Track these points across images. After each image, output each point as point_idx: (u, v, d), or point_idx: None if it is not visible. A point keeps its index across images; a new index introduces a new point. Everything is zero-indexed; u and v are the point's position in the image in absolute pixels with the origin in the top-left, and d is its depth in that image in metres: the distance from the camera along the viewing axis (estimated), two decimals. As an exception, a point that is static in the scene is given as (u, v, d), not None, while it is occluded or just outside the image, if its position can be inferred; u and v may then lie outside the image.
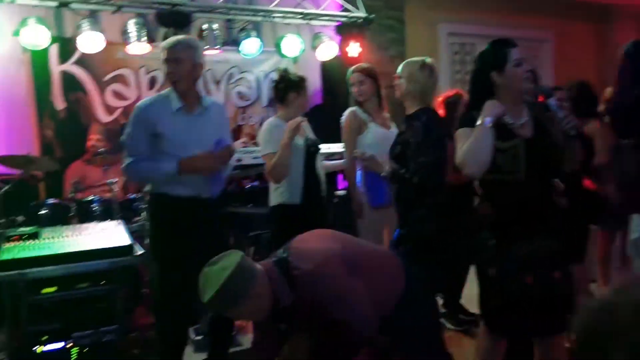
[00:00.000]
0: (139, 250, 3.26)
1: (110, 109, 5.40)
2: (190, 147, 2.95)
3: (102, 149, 4.56)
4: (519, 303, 2.32)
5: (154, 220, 3.13)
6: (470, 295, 4.03)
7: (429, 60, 2.97)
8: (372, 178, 3.47)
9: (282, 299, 2.03)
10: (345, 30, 5.63)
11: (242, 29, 5.28)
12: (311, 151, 3.48)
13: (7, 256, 2.97)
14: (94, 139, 4.81)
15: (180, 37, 3.06)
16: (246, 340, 3.69)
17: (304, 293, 2.02)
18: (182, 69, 2.93)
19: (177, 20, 4.72)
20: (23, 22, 4.37)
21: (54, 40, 4.76)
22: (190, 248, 2.90)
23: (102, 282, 3.16)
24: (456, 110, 3.76)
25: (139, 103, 3.03)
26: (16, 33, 4.42)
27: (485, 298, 2.47)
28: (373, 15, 5.68)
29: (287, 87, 3.47)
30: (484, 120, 2.29)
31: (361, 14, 5.66)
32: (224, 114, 3.27)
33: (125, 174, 3.06)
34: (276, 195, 3.49)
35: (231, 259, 1.98)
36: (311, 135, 3.63)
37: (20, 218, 4.08)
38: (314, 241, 2.18)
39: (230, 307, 1.98)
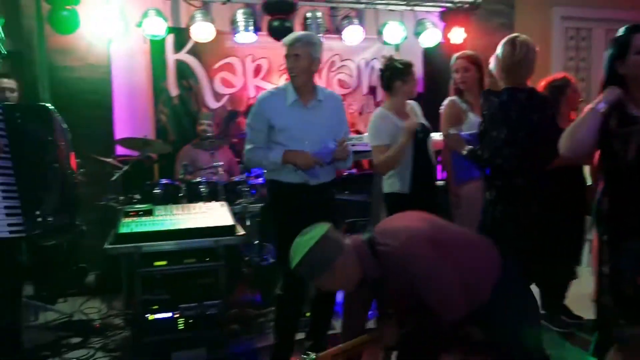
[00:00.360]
0: (241, 231, 3.42)
1: (218, 96, 5.68)
2: (302, 138, 3.06)
3: (210, 134, 4.80)
4: (632, 305, 2.17)
5: (270, 204, 3.30)
6: (577, 296, 3.81)
7: (521, 37, 2.85)
8: (456, 157, 3.42)
9: (368, 273, 2.13)
10: (450, 16, 5.47)
11: (345, 17, 5.30)
12: (420, 137, 3.45)
13: (125, 230, 3.24)
14: (204, 124, 5.07)
15: (300, 33, 3.15)
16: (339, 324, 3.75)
17: (391, 270, 2.09)
18: (301, 65, 3.03)
19: (282, 8, 4.84)
20: (145, 14, 4.69)
21: (170, 30, 5.07)
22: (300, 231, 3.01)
23: (206, 259, 3.35)
24: (563, 94, 3.56)
25: (259, 95, 3.19)
26: (139, 24, 4.76)
27: (599, 297, 2.34)
28: (480, 0, 5.46)
29: (392, 74, 3.45)
30: (597, 104, 2.22)
31: (467, -1, 5.47)
32: (340, 106, 3.31)
33: (244, 159, 3.24)
34: (388, 184, 3.52)
35: (319, 229, 2.12)
36: (421, 119, 3.59)
37: (137, 196, 4.41)
38: (401, 221, 2.25)
39: (316, 273, 2.10)
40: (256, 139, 3.12)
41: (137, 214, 3.50)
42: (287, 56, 3.06)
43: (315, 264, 2.08)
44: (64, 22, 4.50)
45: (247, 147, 3.16)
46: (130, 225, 3.31)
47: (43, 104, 2.84)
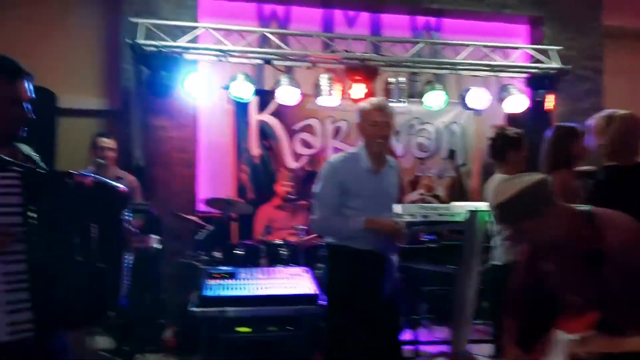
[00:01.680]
0: (323, 301, 3.37)
1: (297, 156, 5.77)
2: (374, 204, 3.03)
3: (292, 195, 4.86)
4: None
5: (334, 271, 3.22)
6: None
7: (620, 112, 2.71)
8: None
9: (579, 240, 1.90)
10: (536, 81, 5.37)
11: (428, 82, 5.32)
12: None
13: (210, 293, 3.28)
14: (285, 184, 5.13)
15: (384, 100, 3.17)
16: None
17: (618, 250, 1.84)
18: (390, 132, 3.03)
19: (365, 73, 4.92)
20: (233, 78, 4.91)
21: (255, 92, 5.25)
22: (366, 299, 2.93)
23: (288, 327, 3.32)
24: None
25: (331, 160, 3.16)
26: (227, 87, 4.97)
27: None
28: (569, 67, 5.36)
29: (504, 144, 3.39)
30: None
31: (555, 64, 5.38)
32: (399, 172, 3.32)
33: (313, 227, 3.18)
34: (498, 254, 3.37)
35: (537, 175, 1.93)
36: None
37: (217, 254, 4.47)
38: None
39: (523, 215, 1.88)
40: (327, 206, 3.00)
41: (221, 276, 3.54)
42: (375, 122, 3.03)
43: (526, 205, 1.86)
44: (160, 86, 4.76)
45: (317, 216, 3.04)
46: (215, 288, 3.35)
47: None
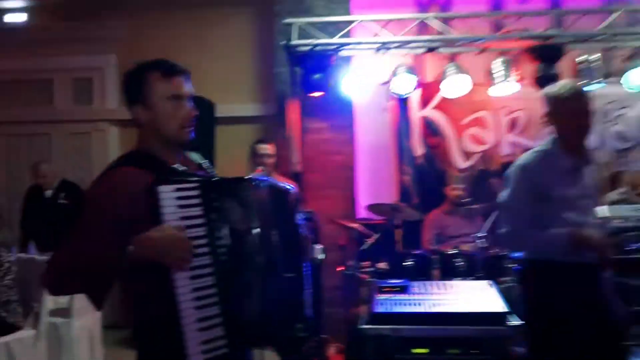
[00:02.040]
0: (514, 320, 3.09)
1: (467, 154, 5.49)
2: (576, 208, 2.67)
3: (466, 199, 4.60)
4: None
5: (537, 289, 2.90)
6: None
7: None
8: None
9: None
10: None
11: (629, 57, 4.71)
12: None
13: (382, 309, 3.17)
14: (456, 187, 4.89)
15: (577, 83, 2.82)
16: None
17: None
18: (588, 121, 2.68)
19: (549, 54, 4.50)
20: (393, 72, 4.80)
21: (416, 86, 5.08)
22: (586, 322, 2.59)
23: (472, 351, 3.09)
24: None
25: (521, 161, 2.85)
26: (386, 82, 4.88)
27: None
28: None
29: None
30: None
31: None
32: (597, 169, 2.91)
33: (503, 242, 2.93)
34: None
35: None
36: None
37: (382, 265, 4.37)
38: None
39: None
40: (519, 217, 2.69)
41: (392, 290, 3.41)
42: (573, 110, 2.68)
43: None
44: (315, 86, 4.82)
45: (507, 229, 2.74)
46: (386, 303, 3.23)
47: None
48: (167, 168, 1.73)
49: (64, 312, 4.11)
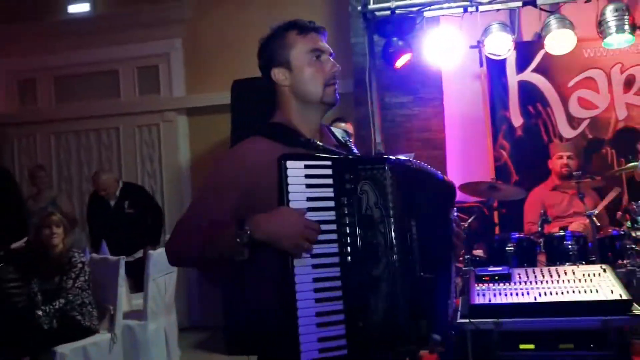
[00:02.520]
0: (638, 310, 2.90)
1: (574, 121, 5.23)
2: None
3: (575, 172, 4.38)
4: None
5: None
6: None
7: None
8: None
9: None
10: None
11: None
12: None
13: (481, 300, 3.06)
14: (563, 159, 4.67)
15: None
16: None
17: None
18: None
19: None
20: (485, 31, 4.62)
21: (513, 46, 4.87)
22: None
23: (590, 346, 2.94)
24: None
25: None
26: (477, 45, 4.71)
27: None
28: None
29: None
30: None
31: None
32: None
33: None
34: None
35: None
36: None
37: (479, 252, 4.25)
38: None
39: None
40: None
41: (492, 278, 3.29)
42: None
43: None
44: (397, 55, 4.72)
45: None
46: (487, 294, 3.13)
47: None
48: (301, 141, 1.71)
49: (139, 315, 4.30)
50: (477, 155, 5.45)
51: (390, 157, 1.67)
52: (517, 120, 5.32)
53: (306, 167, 1.56)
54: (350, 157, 1.71)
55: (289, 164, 1.54)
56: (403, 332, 1.59)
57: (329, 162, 1.59)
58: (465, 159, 5.48)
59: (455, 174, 5.27)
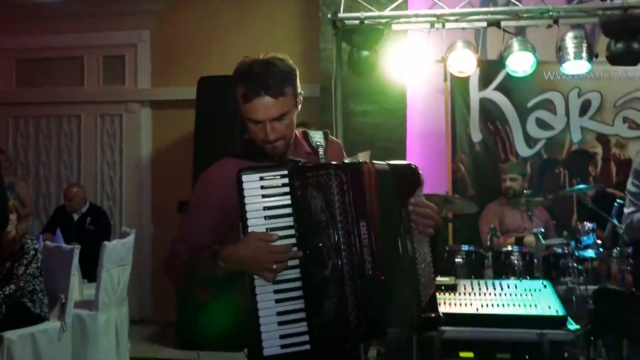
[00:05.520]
0: (572, 325, 3.11)
1: (531, 141, 5.46)
2: None
3: (526, 191, 4.59)
4: None
5: None
6: None
7: None
8: None
9: None
10: None
11: None
12: None
13: (426, 308, 3.21)
14: (517, 177, 4.87)
15: None
16: None
17: None
18: None
19: (629, 28, 4.41)
20: (450, 47, 4.78)
21: (476, 64, 5.05)
22: None
23: (526, 357, 3.13)
24: None
25: None
26: (442, 60, 4.87)
27: None
28: None
29: None
30: None
31: None
32: None
33: (627, 225, 3.06)
34: None
35: None
36: None
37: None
38: None
39: None
40: None
41: (439, 288, 3.46)
42: None
43: None
44: (364, 65, 4.85)
45: (630, 210, 3.01)
46: (432, 302, 3.28)
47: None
48: (267, 156, 1.87)
49: (91, 305, 4.34)
50: (436, 168, 5.59)
51: (339, 162, 1.81)
52: (476, 135, 5.52)
53: (261, 179, 1.73)
54: (300, 165, 1.82)
55: (245, 177, 1.72)
56: (353, 328, 1.70)
57: (284, 172, 1.74)
58: (425, 171, 5.55)
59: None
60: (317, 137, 2.01)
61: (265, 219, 1.72)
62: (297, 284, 1.72)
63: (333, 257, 1.72)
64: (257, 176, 1.73)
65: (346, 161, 1.86)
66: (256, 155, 1.89)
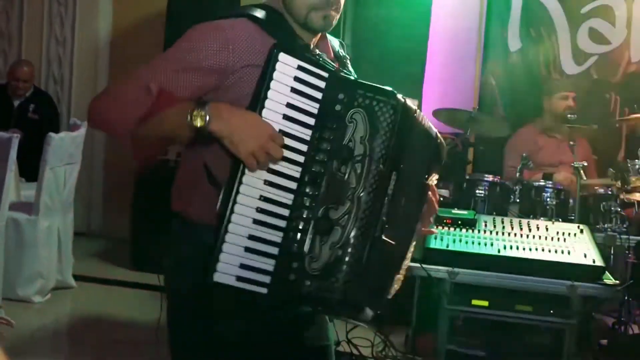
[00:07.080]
0: (611, 279, 3.13)
1: (580, 56, 5.40)
2: None
3: (572, 115, 4.53)
4: None
5: None
6: None
7: None
8: None
9: None
10: None
11: None
12: None
13: (437, 244, 3.23)
14: (569, 99, 4.77)
15: None
16: None
17: None
18: None
19: None
20: None
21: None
22: None
23: (550, 311, 3.17)
24: None
25: None
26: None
27: None
28: None
29: None
30: None
31: None
32: None
33: None
34: None
35: None
36: None
37: (444, 192, 4.40)
38: None
39: None
40: None
41: (455, 223, 3.46)
42: None
43: None
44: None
45: None
46: (445, 238, 3.29)
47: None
48: (299, 44, 1.73)
49: (30, 208, 4.33)
50: (461, 78, 5.59)
51: (395, 92, 1.64)
52: (514, 43, 5.43)
53: (299, 68, 1.58)
54: (351, 77, 1.73)
55: (282, 56, 1.56)
56: (339, 295, 1.58)
57: (326, 74, 1.61)
58: (447, 80, 5.58)
59: (432, 97, 5.38)
60: (335, 45, 1.91)
61: (283, 118, 1.58)
62: (287, 211, 1.59)
63: (352, 199, 1.59)
64: (295, 62, 1.57)
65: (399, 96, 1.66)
66: (287, 35, 1.72)
